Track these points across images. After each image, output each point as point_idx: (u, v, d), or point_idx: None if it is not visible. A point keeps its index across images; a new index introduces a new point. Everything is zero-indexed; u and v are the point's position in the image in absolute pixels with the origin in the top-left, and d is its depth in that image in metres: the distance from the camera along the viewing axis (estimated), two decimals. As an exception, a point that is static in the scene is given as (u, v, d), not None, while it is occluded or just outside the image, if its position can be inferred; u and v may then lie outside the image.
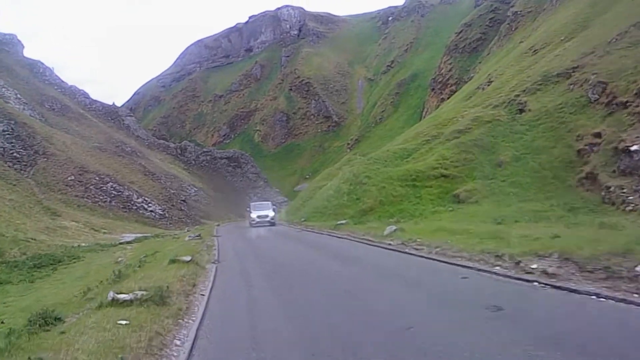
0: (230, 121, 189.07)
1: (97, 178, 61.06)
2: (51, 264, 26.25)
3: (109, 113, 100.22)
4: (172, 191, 76.14)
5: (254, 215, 39.64)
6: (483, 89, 42.54)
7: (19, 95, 73.11)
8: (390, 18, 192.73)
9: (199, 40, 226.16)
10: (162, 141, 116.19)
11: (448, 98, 79.38)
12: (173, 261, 14.73)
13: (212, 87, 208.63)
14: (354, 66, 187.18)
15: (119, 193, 62.55)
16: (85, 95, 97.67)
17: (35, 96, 78.98)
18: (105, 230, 46.90)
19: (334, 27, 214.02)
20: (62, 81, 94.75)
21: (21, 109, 70.13)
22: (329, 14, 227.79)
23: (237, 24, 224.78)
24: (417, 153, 32.80)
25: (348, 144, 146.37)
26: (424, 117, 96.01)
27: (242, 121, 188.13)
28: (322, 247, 20.45)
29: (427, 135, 35.35)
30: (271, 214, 39.74)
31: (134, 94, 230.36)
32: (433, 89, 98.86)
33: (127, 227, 52.76)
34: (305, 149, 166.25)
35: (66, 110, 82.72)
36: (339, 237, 22.86)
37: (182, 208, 74.21)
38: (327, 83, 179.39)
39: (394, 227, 19.52)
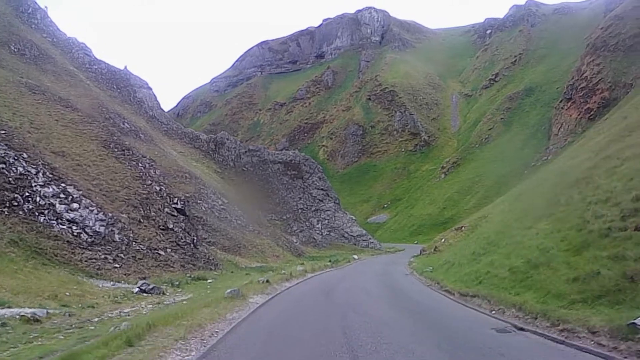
0: (291, 133, 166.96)
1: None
2: None
3: (115, 80, 71.92)
4: (160, 187, 35.90)
5: None
6: None
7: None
8: (488, 31, 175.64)
9: (263, 42, 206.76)
10: (190, 130, 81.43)
11: (599, 108, 71.98)
12: None
13: (273, 94, 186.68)
14: (446, 80, 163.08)
15: (-1, 165, 23.01)
16: (87, 52, 71.96)
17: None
18: None
19: (422, 37, 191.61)
20: (58, 29, 70.04)
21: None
22: (416, 22, 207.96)
23: (309, 27, 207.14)
24: None
25: (443, 167, 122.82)
26: (557, 134, 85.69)
27: (305, 134, 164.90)
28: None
29: None
30: None
31: (183, 97, 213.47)
32: (570, 99, 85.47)
33: None
34: (384, 170, 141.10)
35: (45, 60, 55.04)
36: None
37: (174, 227, 34.35)
38: (415, 94, 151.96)
39: None
